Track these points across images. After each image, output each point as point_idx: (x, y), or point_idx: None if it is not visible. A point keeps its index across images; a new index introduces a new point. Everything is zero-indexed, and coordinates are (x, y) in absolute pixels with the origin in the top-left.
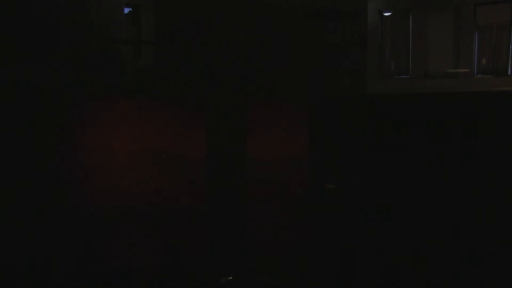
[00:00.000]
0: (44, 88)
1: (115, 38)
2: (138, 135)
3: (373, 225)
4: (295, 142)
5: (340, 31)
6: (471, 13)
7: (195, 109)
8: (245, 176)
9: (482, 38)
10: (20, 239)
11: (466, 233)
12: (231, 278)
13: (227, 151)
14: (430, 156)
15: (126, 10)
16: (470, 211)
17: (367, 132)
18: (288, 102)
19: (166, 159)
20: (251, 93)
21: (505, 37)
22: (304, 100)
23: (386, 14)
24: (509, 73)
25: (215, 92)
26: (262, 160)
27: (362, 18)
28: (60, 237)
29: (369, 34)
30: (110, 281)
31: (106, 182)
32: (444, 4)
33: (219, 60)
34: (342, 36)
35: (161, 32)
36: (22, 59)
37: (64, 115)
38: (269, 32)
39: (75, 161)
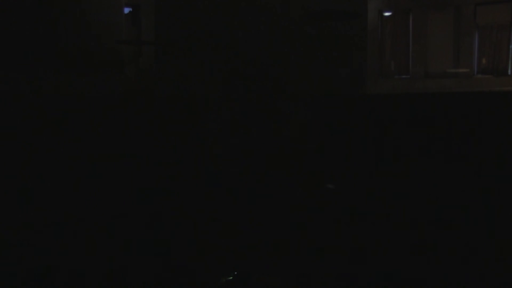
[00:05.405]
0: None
1: (115, 38)
2: None
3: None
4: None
5: (340, 31)
6: (471, 13)
7: None
8: None
9: (482, 38)
10: None
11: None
12: (231, 278)
13: None
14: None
15: (126, 10)
16: (467, 207)
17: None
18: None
19: None
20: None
21: (505, 37)
22: (305, 99)
23: (386, 14)
24: (509, 73)
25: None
26: None
27: (362, 18)
28: None
29: (369, 34)
30: None
31: None
32: (444, 4)
33: (218, 60)
34: (342, 36)
35: (161, 32)
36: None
37: None
38: (268, 32)
39: None
